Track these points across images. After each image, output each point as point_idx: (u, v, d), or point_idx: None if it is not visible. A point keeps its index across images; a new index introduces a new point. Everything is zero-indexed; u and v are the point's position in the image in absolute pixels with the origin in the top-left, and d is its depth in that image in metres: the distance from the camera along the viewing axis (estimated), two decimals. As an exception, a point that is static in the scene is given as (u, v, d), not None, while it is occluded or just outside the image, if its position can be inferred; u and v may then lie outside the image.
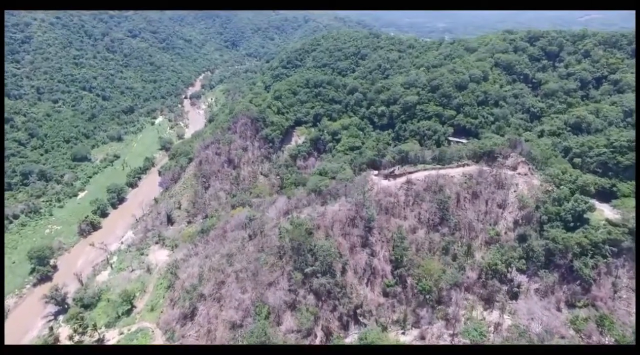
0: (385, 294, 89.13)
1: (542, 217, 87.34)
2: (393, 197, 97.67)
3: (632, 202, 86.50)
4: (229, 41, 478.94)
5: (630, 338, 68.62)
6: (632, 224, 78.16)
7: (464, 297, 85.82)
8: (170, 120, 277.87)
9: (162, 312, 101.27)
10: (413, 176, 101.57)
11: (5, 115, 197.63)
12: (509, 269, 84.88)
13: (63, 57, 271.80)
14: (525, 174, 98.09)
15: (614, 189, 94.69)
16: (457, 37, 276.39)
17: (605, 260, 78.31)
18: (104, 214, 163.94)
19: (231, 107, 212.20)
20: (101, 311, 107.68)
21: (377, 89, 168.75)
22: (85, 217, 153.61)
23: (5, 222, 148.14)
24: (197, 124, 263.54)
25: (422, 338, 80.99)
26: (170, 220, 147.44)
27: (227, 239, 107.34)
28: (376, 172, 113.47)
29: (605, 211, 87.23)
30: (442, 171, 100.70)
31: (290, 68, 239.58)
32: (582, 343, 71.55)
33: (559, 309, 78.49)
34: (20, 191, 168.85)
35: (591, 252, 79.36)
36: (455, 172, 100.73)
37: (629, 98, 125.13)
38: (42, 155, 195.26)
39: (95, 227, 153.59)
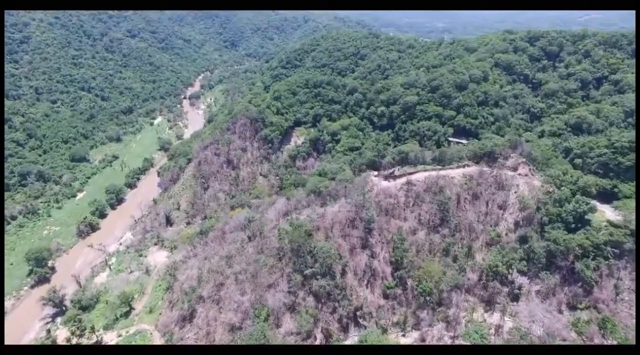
0: (386, 296, 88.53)
1: (543, 219, 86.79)
2: (393, 198, 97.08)
3: (633, 203, 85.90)
4: (229, 41, 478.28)
5: (632, 341, 68.06)
6: (633, 225, 77.61)
7: (465, 299, 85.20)
8: (169, 121, 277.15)
9: (160, 314, 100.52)
10: (413, 177, 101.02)
11: (4, 115, 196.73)
12: (510, 270, 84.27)
13: (62, 57, 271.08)
14: (526, 175, 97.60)
15: (615, 190, 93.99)
16: (456, 37, 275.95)
17: (607, 261, 77.75)
18: (103, 215, 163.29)
19: (230, 108, 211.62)
20: (99, 313, 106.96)
21: (377, 89, 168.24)
22: (84, 218, 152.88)
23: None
24: (196, 124, 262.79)
25: (423, 340, 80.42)
26: (169, 222, 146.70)
27: (226, 240, 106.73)
28: (376, 173, 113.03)
29: (606, 212, 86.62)
30: (442, 172, 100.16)
31: (290, 68, 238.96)
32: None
33: (560, 311, 77.89)
34: (18, 192, 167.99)
35: (593, 254, 78.81)
36: (455, 173, 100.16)
37: (630, 98, 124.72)
38: (40, 155, 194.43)
39: (93, 228, 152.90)
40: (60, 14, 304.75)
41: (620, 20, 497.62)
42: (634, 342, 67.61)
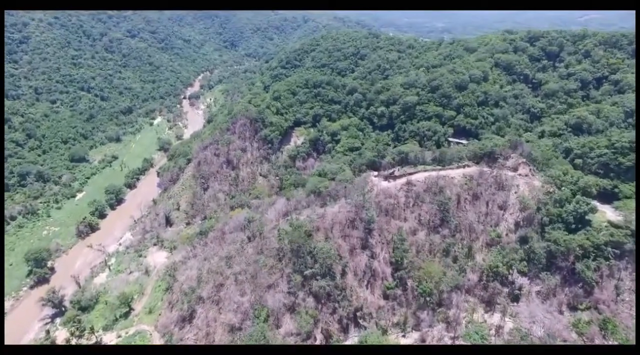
0: (386, 297, 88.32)
1: (543, 219, 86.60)
2: (393, 198, 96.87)
3: (634, 203, 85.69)
4: (228, 41, 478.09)
5: (633, 342, 67.88)
6: (634, 225, 77.42)
7: (465, 299, 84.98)
8: (169, 121, 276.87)
9: (160, 314, 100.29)
10: (413, 177, 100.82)
11: (4, 115, 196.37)
12: (510, 271, 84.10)
13: (61, 57, 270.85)
14: (526, 175, 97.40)
15: (616, 190, 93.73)
16: (456, 37, 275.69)
17: (607, 262, 77.59)
18: (102, 215, 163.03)
19: (230, 108, 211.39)
20: (99, 314, 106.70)
21: (377, 89, 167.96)
22: (83, 219, 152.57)
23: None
24: (196, 124, 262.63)
25: (423, 341, 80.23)
26: (168, 222, 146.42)
27: (226, 240, 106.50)
28: (376, 173, 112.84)
29: (607, 213, 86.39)
30: (442, 172, 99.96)
31: (290, 68, 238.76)
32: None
33: (561, 312, 77.70)
34: (17, 192, 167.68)
35: (593, 255, 78.64)
36: (455, 173, 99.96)
37: (630, 98, 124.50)
38: (39, 156, 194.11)
39: (93, 228, 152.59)
40: (60, 14, 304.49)
41: (620, 20, 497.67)
42: (634, 343, 67.45)
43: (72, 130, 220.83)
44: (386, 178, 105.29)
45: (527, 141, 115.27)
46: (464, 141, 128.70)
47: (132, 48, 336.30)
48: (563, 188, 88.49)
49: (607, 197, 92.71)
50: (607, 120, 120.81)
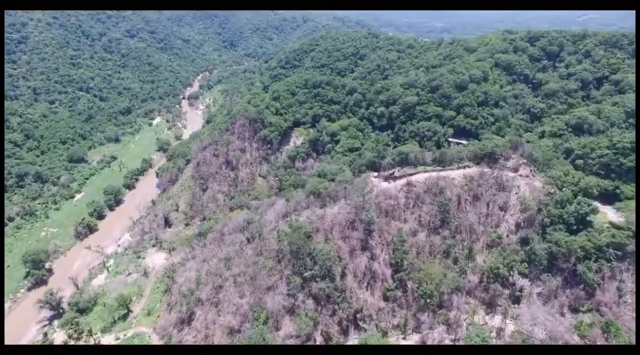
0: (386, 298, 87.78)
1: (544, 220, 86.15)
2: (393, 199, 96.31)
3: (635, 204, 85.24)
4: (228, 41, 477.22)
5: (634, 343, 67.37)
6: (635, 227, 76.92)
7: (466, 301, 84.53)
8: (168, 121, 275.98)
9: (158, 316, 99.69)
10: (413, 178, 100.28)
11: (4, 116, 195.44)
12: (511, 272, 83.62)
13: (60, 57, 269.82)
14: (527, 176, 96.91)
15: (617, 191, 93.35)
16: (455, 37, 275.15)
17: (609, 264, 77.13)
18: (101, 216, 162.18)
19: (229, 108, 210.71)
20: (97, 316, 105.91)
21: (377, 89, 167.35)
22: (82, 220, 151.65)
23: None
24: (195, 124, 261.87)
25: (423, 343, 79.68)
26: (167, 223, 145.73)
27: (225, 242, 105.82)
28: (376, 174, 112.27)
29: (608, 214, 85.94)
30: (442, 173, 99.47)
31: (289, 68, 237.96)
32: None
33: (562, 314, 77.22)
34: (15, 193, 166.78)
35: (595, 256, 78.21)
36: (455, 174, 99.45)
37: (631, 98, 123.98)
38: (38, 156, 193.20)
39: (91, 229, 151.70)
40: (59, 14, 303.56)
41: (619, 20, 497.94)
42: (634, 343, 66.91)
43: (71, 131, 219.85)
44: (386, 179, 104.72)
45: (528, 141, 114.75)
46: (464, 141, 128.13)
47: (131, 48, 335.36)
48: (564, 189, 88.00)
49: (609, 198, 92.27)
50: (607, 121, 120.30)
